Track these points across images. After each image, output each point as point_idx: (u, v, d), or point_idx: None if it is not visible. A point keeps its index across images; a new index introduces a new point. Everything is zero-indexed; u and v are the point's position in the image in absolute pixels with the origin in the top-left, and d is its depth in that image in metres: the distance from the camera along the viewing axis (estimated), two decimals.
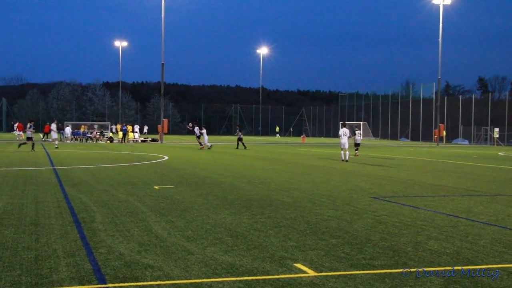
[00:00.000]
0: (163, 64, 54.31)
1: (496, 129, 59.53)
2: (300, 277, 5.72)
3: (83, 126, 54.79)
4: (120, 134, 52.92)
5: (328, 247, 7.13)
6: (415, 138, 74.44)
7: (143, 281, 5.49)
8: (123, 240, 7.31)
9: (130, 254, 6.55)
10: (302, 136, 73.08)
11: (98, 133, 53.64)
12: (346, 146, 25.71)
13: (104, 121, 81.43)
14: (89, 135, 52.23)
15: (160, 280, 5.53)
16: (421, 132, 73.54)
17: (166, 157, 26.37)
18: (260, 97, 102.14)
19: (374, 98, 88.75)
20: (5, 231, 7.83)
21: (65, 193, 12.18)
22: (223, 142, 54.77)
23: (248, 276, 5.74)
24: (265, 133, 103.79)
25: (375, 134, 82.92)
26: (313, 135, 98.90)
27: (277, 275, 5.79)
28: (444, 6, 57.72)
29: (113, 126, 67.87)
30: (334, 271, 5.97)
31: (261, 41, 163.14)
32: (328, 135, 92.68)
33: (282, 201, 11.32)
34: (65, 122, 61.71)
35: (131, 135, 54.05)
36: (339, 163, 23.75)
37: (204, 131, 38.53)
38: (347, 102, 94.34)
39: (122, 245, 7.04)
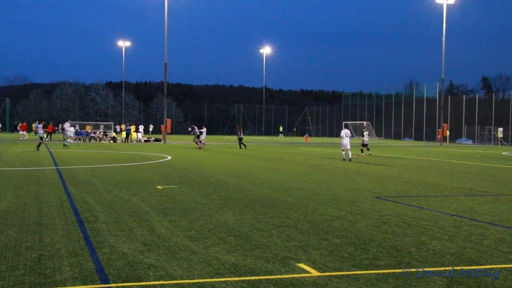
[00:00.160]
0: (166, 64, 54.35)
1: (500, 129, 59.40)
2: (303, 277, 5.71)
3: (88, 126, 54.88)
4: (124, 134, 52.99)
5: (331, 247, 7.12)
6: (418, 138, 74.33)
7: (146, 281, 5.49)
8: (126, 240, 7.31)
9: (133, 254, 6.56)
10: (305, 136, 73.03)
11: (101, 133, 53.70)
12: (348, 147, 25.69)
13: (108, 121, 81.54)
14: (92, 135, 52.29)
15: (163, 280, 5.53)
16: (424, 132, 73.46)
17: (169, 157, 26.38)
18: (263, 97, 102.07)
19: (378, 98, 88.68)
20: (8, 231, 7.84)
21: (68, 193, 12.19)
22: (227, 142, 54.76)
23: (251, 276, 5.73)
24: (268, 133, 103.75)
25: (379, 134, 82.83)
26: (316, 135, 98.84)
27: (280, 275, 5.78)
28: (447, 5, 57.60)
29: (118, 126, 67.96)
30: (337, 271, 5.96)
31: (264, 40, 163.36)
32: (331, 135, 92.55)
33: (285, 201, 11.31)
34: (64, 120, 61.77)
35: (134, 135, 54.09)
36: (342, 163, 23.72)
37: (203, 130, 38.60)
38: (350, 102, 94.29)
39: (125, 245, 7.04)
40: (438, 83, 69.68)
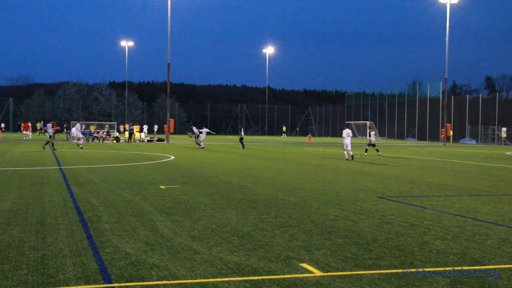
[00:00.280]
0: (169, 63, 54.37)
1: (504, 129, 59.22)
2: (306, 277, 5.71)
3: (92, 126, 54.94)
4: (127, 133, 53.05)
5: (334, 247, 7.11)
6: (421, 137, 74.21)
7: (149, 281, 5.49)
8: (129, 240, 7.32)
9: (136, 254, 6.56)
10: (308, 135, 72.99)
11: (105, 133, 53.76)
12: (349, 147, 25.71)
13: (111, 120, 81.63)
14: (95, 134, 52.35)
15: (166, 280, 5.53)
16: (427, 131, 73.31)
17: (172, 157, 26.40)
18: (266, 97, 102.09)
19: (381, 97, 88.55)
20: (11, 231, 7.85)
21: (72, 192, 12.21)
22: (229, 142, 54.76)
23: (254, 276, 5.72)
24: (271, 132, 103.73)
25: (382, 134, 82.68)
26: (319, 135, 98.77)
27: (283, 275, 5.77)
28: (451, 5, 57.49)
29: (122, 126, 68.02)
30: (340, 271, 5.95)
31: (267, 40, 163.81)
32: (334, 134, 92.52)
33: (288, 201, 11.30)
34: (72, 122, 61.86)
35: (137, 134, 54.15)
36: (345, 163, 23.70)
37: (203, 130, 38.65)
38: (353, 101, 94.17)
39: (128, 244, 7.05)
40: (441, 82, 69.57)
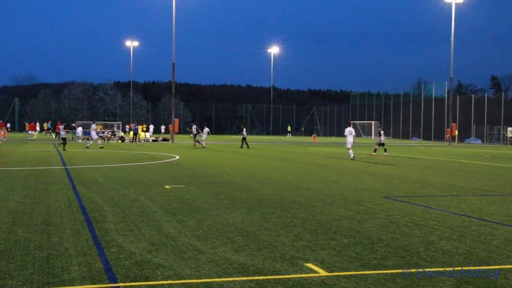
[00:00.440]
0: (174, 63, 54.46)
1: (510, 128, 59.02)
2: (311, 277, 5.70)
3: (98, 126, 54.98)
4: (131, 133, 53.14)
5: (339, 247, 7.10)
6: (427, 137, 74.03)
7: (154, 281, 5.49)
8: (134, 240, 7.32)
9: (141, 254, 6.56)
10: (313, 135, 72.92)
11: (110, 133, 53.86)
12: (349, 146, 25.70)
13: (116, 120, 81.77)
14: (101, 134, 52.43)
15: (171, 280, 5.53)
16: (433, 131, 73.10)
17: (177, 157, 26.42)
18: (271, 97, 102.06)
19: (386, 97, 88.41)
20: (17, 230, 7.87)
21: (77, 192, 12.23)
22: (234, 141, 54.76)
23: (259, 275, 5.72)
24: (276, 132, 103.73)
25: (387, 134, 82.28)
26: (324, 135, 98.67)
27: (288, 275, 5.77)
28: (456, 4, 57.34)
29: (127, 126, 68.12)
30: (346, 271, 5.94)
31: (272, 40, 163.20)
32: (339, 134, 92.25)
33: (293, 201, 11.29)
34: (77, 122, 62.01)
35: (142, 134, 54.24)
36: (350, 162, 23.67)
37: (205, 130, 38.67)
38: (358, 101, 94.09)
39: (133, 244, 7.06)
40: (446, 82, 69.40)
